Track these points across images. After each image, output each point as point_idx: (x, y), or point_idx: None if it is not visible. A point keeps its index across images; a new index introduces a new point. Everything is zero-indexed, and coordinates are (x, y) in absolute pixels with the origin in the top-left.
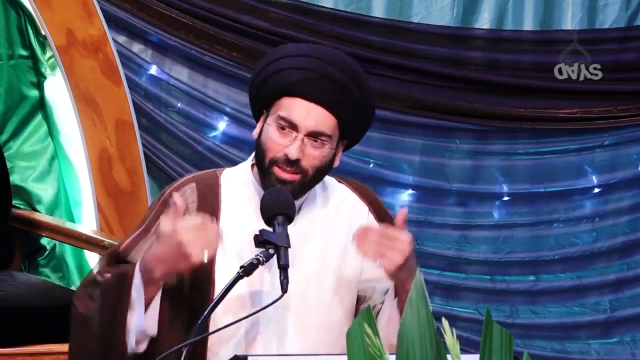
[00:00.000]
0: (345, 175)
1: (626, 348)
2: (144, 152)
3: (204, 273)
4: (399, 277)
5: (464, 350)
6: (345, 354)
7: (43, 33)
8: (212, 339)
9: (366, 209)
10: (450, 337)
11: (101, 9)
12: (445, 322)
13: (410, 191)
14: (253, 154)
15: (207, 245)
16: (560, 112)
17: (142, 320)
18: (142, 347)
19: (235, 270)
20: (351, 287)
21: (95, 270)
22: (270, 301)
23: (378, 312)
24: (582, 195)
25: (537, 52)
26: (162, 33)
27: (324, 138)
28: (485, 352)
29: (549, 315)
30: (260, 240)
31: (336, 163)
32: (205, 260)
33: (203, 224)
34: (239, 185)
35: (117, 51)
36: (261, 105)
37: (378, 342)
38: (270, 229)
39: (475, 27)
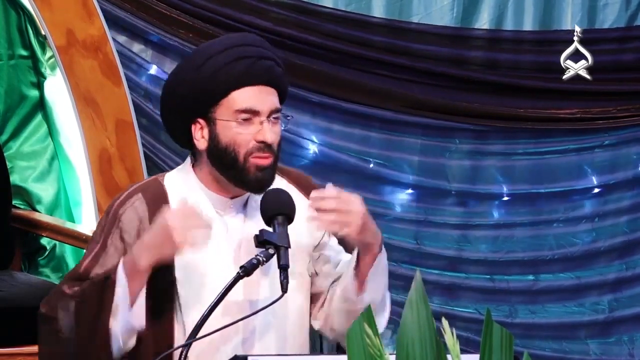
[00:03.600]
0: (345, 175)
1: (624, 348)
2: (144, 152)
3: (165, 283)
4: (364, 239)
5: (463, 350)
6: (301, 354)
7: (43, 33)
8: (205, 342)
9: (306, 201)
10: (450, 337)
11: (101, 9)
12: (445, 322)
13: (409, 191)
14: (187, 158)
15: (191, 231)
16: (560, 112)
17: (128, 316)
18: (132, 343)
19: (196, 280)
20: (306, 276)
21: (61, 286)
22: (269, 301)
23: (325, 298)
24: (582, 195)
25: (537, 52)
26: (162, 33)
27: (279, 113)
28: (485, 352)
29: (548, 315)
30: (260, 240)
31: None
32: (190, 247)
33: (191, 213)
34: (185, 190)
35: (117, 51)
36: (194, 115)
37: (378, 342)
38: (270, 229)
39: (475, 27)
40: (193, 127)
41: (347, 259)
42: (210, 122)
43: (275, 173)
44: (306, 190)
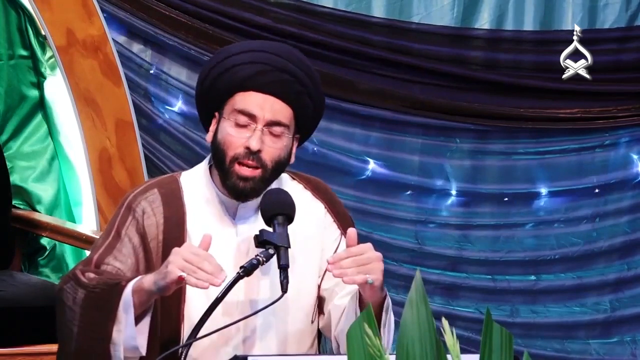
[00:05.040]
0: (345, 176)
1: (626, 348)
2: (144, 152)
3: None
4: (374, 294)
5: (465, 350)
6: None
7: (43, 33)
8: (206, 342)
9: (322, 207)
10: (450, 337)
11: (101, 9)
12: (445, 322)
13: (410, 191)
14: (209, 156)
15: (184, 267)
16: (560, 112)
17: (133, 334)
18: None
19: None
20: (312, 286)
21: (77, 269)
22: (267, 301)
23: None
24: (582, 195)
25: (537, 52)
26: (162, 33)
27: (282, 128)
28: (485, 352)
29: (549, 315)
30: (260, 240)
31: (292, 159)
32: (181, 278)
33: (201, 254)
34: (199, 189)
35: (117, 51)
36: (212, 108)
37: (378, 342)
38: (270, 229)
39: (476, 27)
40: (213, 119)
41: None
42: (220, 118)
43: (263, 187)
44: (322, 194)
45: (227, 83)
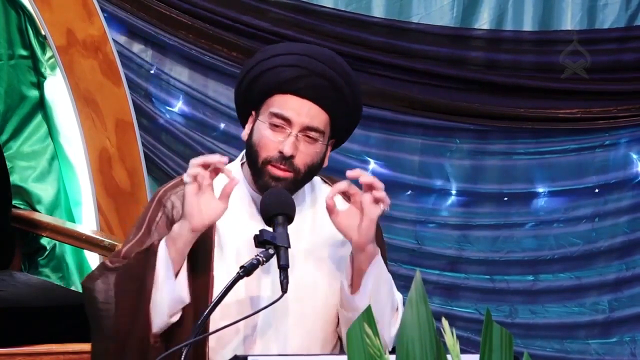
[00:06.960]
0: (345, 175)
1: (626, 348)
2: (144, 152)
3: (202, 272)
4: (366, 248)
5: (463, 350)
6: (333, 354)
7: (43, 33)
8: (212, 342)
9: None
10: (450, 337)
11: (101, 9)
12: (445, 322)
13: (410, 191)
14: (242, 152)
15: (200, 208)
16: (560, 112)
17: (174, 286)
18: (176, 318)
19: (233, 269)
20: (338, 287)
21: (104, 261)
22: (270, 301)
23: None
24: (582, 195)
25: (537, 52)
26: (162, 33)
27: (317, 134)
28: (485, 352)
29: (549, 315)
30: (260, 240)
31: (325, 163)
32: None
33: (203, 192)
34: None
35: (117, 51)
36: (250, 106)
37: (378, 342)
38: (270, 229)
39: (475, 27)
40: (250, 117)
41: None
42: (256, 117)
43: (294, 189)
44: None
45: (266, 84)
